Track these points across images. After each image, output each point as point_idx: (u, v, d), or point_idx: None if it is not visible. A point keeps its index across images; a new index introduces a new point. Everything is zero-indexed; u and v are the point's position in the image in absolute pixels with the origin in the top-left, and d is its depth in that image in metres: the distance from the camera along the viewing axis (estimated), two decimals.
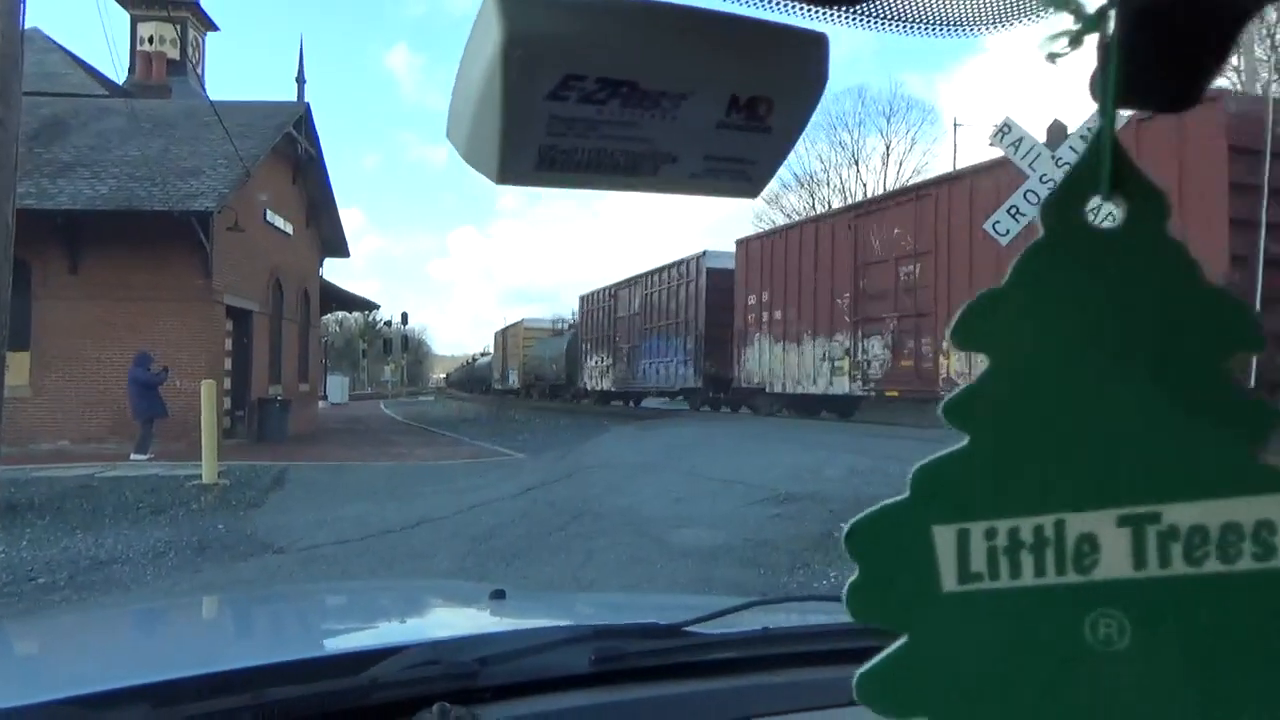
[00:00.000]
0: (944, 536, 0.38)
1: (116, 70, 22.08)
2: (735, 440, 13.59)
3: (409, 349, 60.78)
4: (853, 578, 0.39)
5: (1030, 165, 8.21)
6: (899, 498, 0.39)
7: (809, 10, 0.43)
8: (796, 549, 6.98)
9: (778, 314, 19.59)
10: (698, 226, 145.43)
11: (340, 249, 24.13)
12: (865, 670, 0.39)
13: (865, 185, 40.56)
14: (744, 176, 0.48)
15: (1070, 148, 8.03)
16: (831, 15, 0.44)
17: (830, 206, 40.73)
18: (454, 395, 65.61)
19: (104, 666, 1.30)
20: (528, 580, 6.16)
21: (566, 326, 41.70)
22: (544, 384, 40.30)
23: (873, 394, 16.78)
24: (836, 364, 17.60)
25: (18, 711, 0.77)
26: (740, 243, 22.18)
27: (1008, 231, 8.42)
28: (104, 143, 16.34)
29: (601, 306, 31.39)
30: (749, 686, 0.96)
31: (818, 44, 0.44)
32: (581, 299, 34.36)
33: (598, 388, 31.91)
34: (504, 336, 51.03)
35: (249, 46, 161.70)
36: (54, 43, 20.87)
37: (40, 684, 1.12)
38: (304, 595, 2.60)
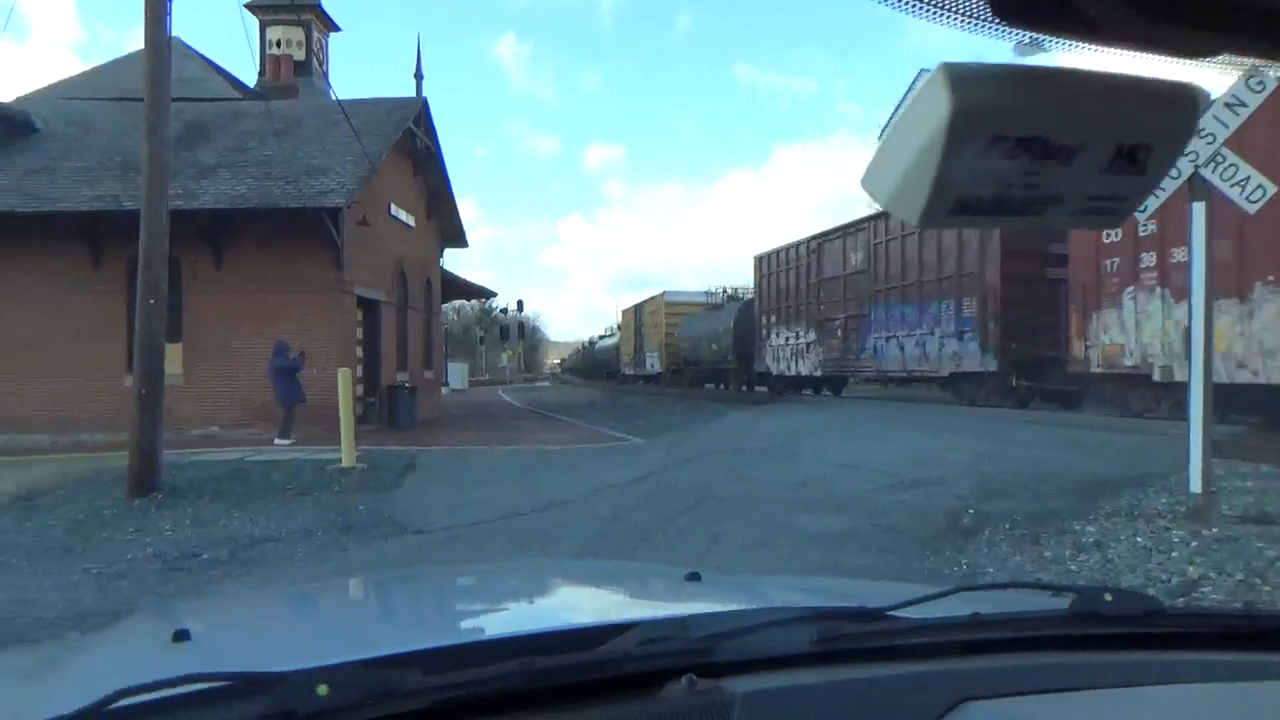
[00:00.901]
0: None
1: (253, 71, 23.31)
2: (854, 424, 13.42)
3: (525, 335, 61.61)
4: None
5: None
6: None
7: (1179, 63, 0.49)
8: (925, 535, 6.87)
9: (1175, 256, 12.46)
10: (806, 207, 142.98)
11: (459, 239, 24.82)
12: None
13: None
14: (1113, 212, 0.56)
15: (1215, 117, 7.58)
16: (1199, 65, 0.50)
17: None
18: (570, 381, 65.81)
19: (381, 632, 1.43)
20: (657, 563, 6.25)
21: (726, 297, 34.15)
22: (699, 368, 33.13)
23: None
24: None
25: (326, 670, 0.86)
26: None
27: (1145, 209, 8.05)
28: (242, 144, 17.25)
29: (793, 267, 24.55)
30: (962, 670, 0.99)
31: (1193, 97, 0.51)
32: (759, 260, 27.28)
33: (790, 371, 24.76)
34: (637, 313, 42.92)
35: (364, 44, 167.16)
36: (192, 50, 22.06)
37: (327, 648, 1.24)
38: (512, 572, 2.74)
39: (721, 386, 31.46)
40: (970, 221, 0.54)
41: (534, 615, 1.60)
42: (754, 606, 1.36)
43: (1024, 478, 8.45)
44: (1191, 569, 5.29)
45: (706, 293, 38.04)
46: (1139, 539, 6.00)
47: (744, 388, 29.07)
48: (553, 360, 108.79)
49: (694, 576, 1.54)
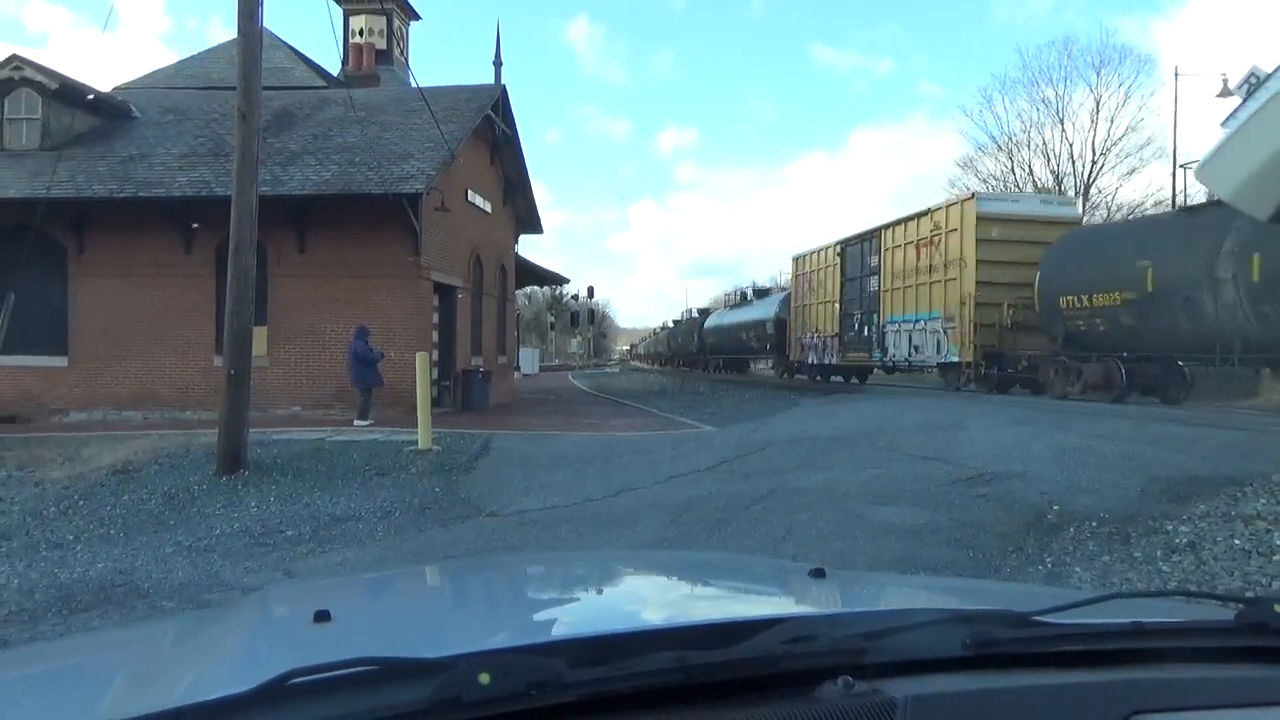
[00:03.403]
0: None
1: (337, 60, 23.83)
2: (931, 415, 13.13)
3: (595, 322, 61.70)
4: None
5: None
6: None
7: None
8: (1006, 530, 6.70)
9: None
10: (882, 191, 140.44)
11: (534, 225, 25.01)
12: None
13: (1071, 145, 37.28)
14: None
15: None
16: None
17: (1031, 169, 38.10)
18: (641, 368, 64.90)
19: (521, 617, 1.45)
20: (730, 551, 6.22)
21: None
22: (1167, 355, 15.28)
23: None
24: None
25: (486, 657, 0.88)
26: None
27: None
28: (325, 131, 17.65)
29: None
30: (1130, 682, 0.95)
31: None
32: None
33: None
34: (849, 254, 24.68)
35: (442, 30, 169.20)
36: (278, 39, 22.59)
37: (470, 632, 1.28)
38: (631, 559, 2.72)
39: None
40: None
41: (671, 607, 1.57)
42: (892, 607, 1.32)
43: (1109, 473, 8.17)
44: None
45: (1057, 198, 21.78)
46: (1236, 541, 5.76)
47: None
48: (622, 346, 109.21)
49: (818, 572, 1.51)
